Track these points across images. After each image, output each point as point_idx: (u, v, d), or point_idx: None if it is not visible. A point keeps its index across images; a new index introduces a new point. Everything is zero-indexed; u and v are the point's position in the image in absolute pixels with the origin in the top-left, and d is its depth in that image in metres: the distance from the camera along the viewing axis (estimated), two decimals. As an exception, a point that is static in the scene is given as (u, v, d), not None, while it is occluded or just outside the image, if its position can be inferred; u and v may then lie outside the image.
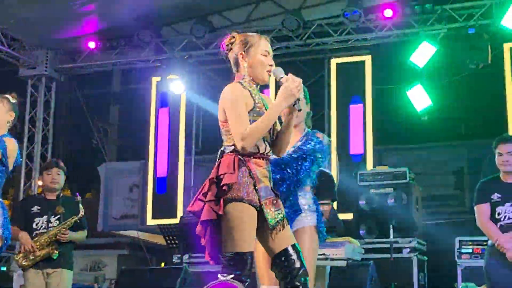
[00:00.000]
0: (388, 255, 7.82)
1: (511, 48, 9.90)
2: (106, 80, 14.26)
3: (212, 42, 10.89)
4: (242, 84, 3.97)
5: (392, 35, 10.22)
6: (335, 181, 5.30)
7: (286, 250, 3.86)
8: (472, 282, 7.17)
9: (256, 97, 3.96)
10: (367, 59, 10.62)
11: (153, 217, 11.45)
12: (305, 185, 4.62)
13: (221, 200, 3.80)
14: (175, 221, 9.57)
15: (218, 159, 3.93)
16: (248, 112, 3.88)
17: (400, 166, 9.06)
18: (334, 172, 6.01)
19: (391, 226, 7.93)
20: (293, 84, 3.83)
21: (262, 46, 4.02)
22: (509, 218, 5.75)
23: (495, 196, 5.79)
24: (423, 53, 9.75)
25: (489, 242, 5.88)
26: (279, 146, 4.02)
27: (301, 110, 3.94)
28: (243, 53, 4.01)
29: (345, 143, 10.59)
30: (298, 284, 3.81)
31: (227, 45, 4.09)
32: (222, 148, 3.97)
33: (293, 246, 3.89)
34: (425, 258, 8.50)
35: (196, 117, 11.97)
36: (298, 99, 3.84)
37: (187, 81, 10.97)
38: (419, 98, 9.86)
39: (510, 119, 9.64)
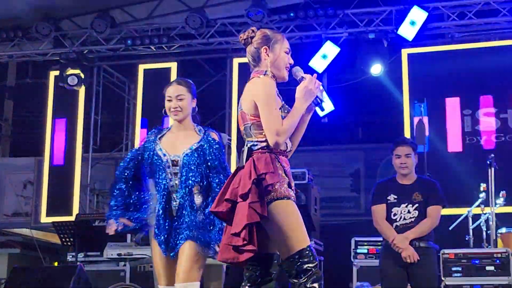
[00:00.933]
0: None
1: (409, 54, 10.15)
2: (1, 73, 13.78)
3: (113, 38, 10.70)
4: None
5: (295, 36, 10.31)
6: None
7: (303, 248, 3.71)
8: (367, 282, 7.29)
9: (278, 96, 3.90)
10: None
11: (48, 214, 11.12)
12: None
13: (265, 201, 3.66)
14: (71, 218, 9.31)
15: (248, 156, 3.80)
16: (279, 108, 3.82)
17: (299, 167, 9.12)
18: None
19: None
20: (312, 84, 3.86)
21: (285, 44, 3.99)
22: (404, 219, 5.90)
23: (391, 197, 5.93)
24: (324, 56, 9.88)
25: (384, 242, 6.00)
26: (294, 143, 3.95)
27: (324, 110, 4.02)
28: (268, 48, 3.93)
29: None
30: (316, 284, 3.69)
31: (246, 39, 3.99)
32: (249, 145, 3.84)
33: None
34: (322, 258, 8.59)
35: (95, 114, 11.70)
36: (322, 100, 3.88)
37: (86, 76, 10.73)
38: (321, 102, 9.94)
39: (406, 124, 9.89)
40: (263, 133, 3.80)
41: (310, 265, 3.66)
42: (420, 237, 5.86)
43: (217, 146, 4.56)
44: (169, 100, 4.60)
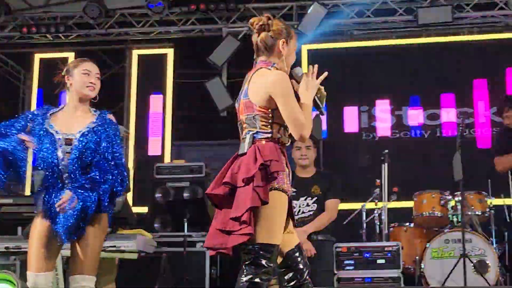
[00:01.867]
0: (182, 249, 7.78)
1: (308, 50, 10.24)
2: None
3: (7, 25, 10.37)
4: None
5: (195, 29, 10.24)
6: (128, 172, 5.17)
7: (298, 246, 3.83)
8: (262, 275, 7.29)
9: None
10: (170, 52, 10.56)
11: None
12: None
13: (268, 187, 3.65)
14: None
15: (250, 144, 3.78)
16: None
17: (199, 161, 9.06)
18: (130, 164, 5.90)
19: (185, 220, 7.89)
20: (314, 80, 3.92)
21: (296, 42, 4.02)
22: (303, 212, 5.94)
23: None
24: (224, 50, 9.86)
25: None
26: None
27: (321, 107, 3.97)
28: (286, 42, 3.92)
29: (143, 136, 10.49)
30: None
31: (262, 25, 3.92)
32: (251, 132, 3.81)
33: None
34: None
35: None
36: (323, 95, 3.94)
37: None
38: (219, 94, 9.96)
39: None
40: (269, 125, 3.79)
41: (264, 261, 3.66)
42: (318, 230, 5.92)
43: (114, 126, 4.43)
44: (87, 74, 4.43)
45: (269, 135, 3.79)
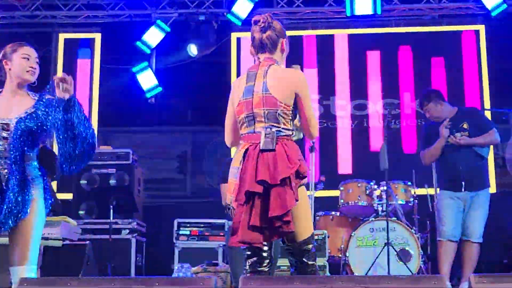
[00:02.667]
0: (107, 236, 7.69)
1: (238, 38, 10.22)
2: None
3: None
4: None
5: (124, 14, 10.10)
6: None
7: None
8: (188, 263, 7.28)
9: None
10: (97, 36, 10.37)
11: None
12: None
13: (297, 186, 3.88)
14: None
15: (275, 140, 3.91)
16: None
17: (125, 148, 8.96)
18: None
19: (111, 207, 7.80)
20: None
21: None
22: None
23: None
24: (153, 36, 9.75)
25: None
26: None
27: None
28: (285, 41, 4.18)
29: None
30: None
31: (265, 23, 4.12)
32: (274, 128, 3.95)
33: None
34: (144, 239, 8.52)
35: None
36: None
37: None
38: (147, 81, 9.86)
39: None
40: (290, 123, 3.99)
41: (311, 247, 4.02)
42: None
43: (54, 104, 4.30)
44: (26, 59, 4.30)
45: (290, 132, 4.00)
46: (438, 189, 7.29)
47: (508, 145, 7.84)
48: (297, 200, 3.85)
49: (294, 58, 10.09)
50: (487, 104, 9.64)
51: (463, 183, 6.78)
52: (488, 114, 9.05)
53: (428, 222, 7.96)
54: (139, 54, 9.86)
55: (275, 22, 4.19)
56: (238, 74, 10.04)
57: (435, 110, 7.08)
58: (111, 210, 7.75)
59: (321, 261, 7.16)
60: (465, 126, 6.92)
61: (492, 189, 9.18)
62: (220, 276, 6.83)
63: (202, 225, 8.12)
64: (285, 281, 3.48)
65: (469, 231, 6.85)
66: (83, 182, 8.51)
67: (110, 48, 10.43)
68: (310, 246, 4.01)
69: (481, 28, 10.02)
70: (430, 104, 7.09)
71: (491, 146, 7.44)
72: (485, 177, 7.03)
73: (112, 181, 8.44)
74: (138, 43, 9.72)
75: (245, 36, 10.23)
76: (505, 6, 9.28)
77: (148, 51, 9.79)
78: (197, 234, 8.03)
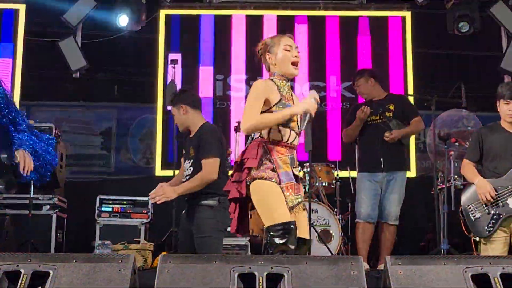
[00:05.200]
0: (27, 212, 7.55)
1: (166, 15, 10.13)
2: None
3: None
4: (272, 80, 4.44)
5: (51, -12, 9.87)
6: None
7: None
8: (109, 240, 7.22)
9: (284, 91, 4.42)
10: (22, 8, 10.09)
11: None
12: None
13: (244, 181, 4.31)
14: None
15: (247, 144, 4.46)
16: (275, 104, 4.34)
17: (47, 122, 8.78)
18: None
19: (32, 182, 7.65)
20: (312, 100, 4.32)
21: (283, 41, 4.48)
22: (186, 176, 5.70)
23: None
24: (79, 10, 9.57)
25: None
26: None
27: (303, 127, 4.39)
28: (268, 53, 4.49)
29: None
30: None
31: (258, 52, 4.60)
32: (253, 135, 4.47)
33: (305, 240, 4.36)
34: (65, 215, 8.40)
35: None
36: (311, 115, 4.29)
37: None
38: (73, 56, 9.68)
39: (160, 84, 9.88)
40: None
41: (278, 240, 4.19)
42: (193, 193, 5.65)
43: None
44: None
45: (258, 135, 4.41)
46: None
47: (429, 131, 8.04)
48: (242, 194, 4.35)
49: (223, 36, 10.13)
50: (410, 90, 9.83)
51: (382, 160, 6.95)
52: (411, 100, 9.25)
53: (349, 204, 8.09)
54: (65, 27, 9.66)
55: (261, 42, 4.63)
56: (166, 51, 9.97)
57: (364, 87, 7.29)
58: (32, 186, 7.60)
59: (242, 241, 7.22)
60: (391, 107, 7.11)
61: (412, 173, 9.43)
62: (142, 254, 6.80)
63: (125, 202, 8.05)
64: (204, 260, 3.49)
65: (386, 213, 7.03)
66: (2, 155, 8.30)
67: (35, 20, 10.18)
68: (273, 239, 4.21)
69: (408, 14, 10.19)
70: (361, 80, 7.31)
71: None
72: (402, 160, 7.22)
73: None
74: (64, 16, 9.51)
75: (174, 13, 10.16)
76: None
77: (74, 25, 9.60)
78: (120, 211, 7.97)
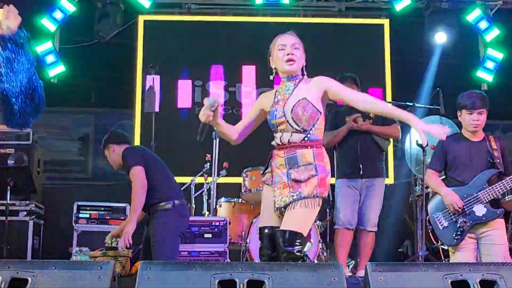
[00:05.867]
0: (3, 218, 7.48)
1: (145, 21, 10.10)
2: None
3: None
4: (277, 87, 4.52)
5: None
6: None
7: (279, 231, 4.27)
8: (87, 247, 7.16)
9: (280, 93, 4.46)
10: (-1, 12, 10.00)
11: None
12: None
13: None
14: None
15: None
16: (268, 112, 4.50)
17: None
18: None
19: (9, 188, 7.59)
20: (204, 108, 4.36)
21: (277, 42, 4.52)
22: None
23: None
24: (57, 15, 9.53)
25: None
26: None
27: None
28: (270, 57, 4.57)
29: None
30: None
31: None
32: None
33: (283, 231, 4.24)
34: (42, 221, 8.33)
35: None
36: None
37: None
38: (50, 60, 9.64)
39: (138, 90, 9.85)
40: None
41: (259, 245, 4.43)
42: (150, 204, 5.90)
43: None
44: None
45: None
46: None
47: (407, 138, 8.06)
48: None
49: (202, 42, 10.11)
50: (389, 97, 9.87)
51: (361, 167, 6.97)
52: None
53: (328, 210, 8.09)
54: (43, 32, 9.61)
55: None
56: (145, 57, 9.94)
57: None
58: (8, 191, 7.53)
59: (221, 247, 7.21)
60: (371, 115, 7.12)
61: (390, 180, 9.46)
62: (120, 261, 6.74)
63: (102, 209, 8.00)
64: (185, 267, 3.47)
65: (365, 220, 7.04)
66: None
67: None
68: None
69: (386, 22, 10.24)
70: (345, 84, 7.28)
71: (391, 140, 7.67)
72: (381, 167, 7.25)
73: (10, 161, 8.20)
74: (42, 21, 9.46)
75: (153, 19, 10.13)
76: (409, 2, 9.52)
77: (52, 30, 9.54)
78: (97, 217, 7.91)
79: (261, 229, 4.41)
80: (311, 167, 4.28)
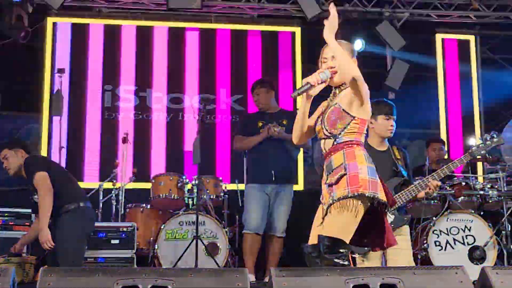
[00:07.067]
0: None
1: (54, 23, 9.90)
2: None
3: None
4: None
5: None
6: None
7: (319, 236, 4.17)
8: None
9: (327, 102, 4.44)
10: None
11: None
12: None
13: None
14: None
15: None
16: None
17: None
18: None
19: None
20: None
21: (322, 55, 4.47)
22: None
23: None
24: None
25: None
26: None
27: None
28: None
29: None
30: None
31: None
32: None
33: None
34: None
35: None
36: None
37: None
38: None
39: (46, 94, 9.63)
40: None
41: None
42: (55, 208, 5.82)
43: None
44: None
45: None
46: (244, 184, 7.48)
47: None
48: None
49: (113, 46, 9.97)
50: (299, 104, 9.94)
51: (273, 172, 7.03)
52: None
53: (237, 216, 8.11)
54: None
55: None
56: (53, 60, 9.75)
57: (264, 97, 7.38)
58: None
59: (128, 253, 7.14)
60: (284, 122, 7.20)
61: (300, 186, 9.56)
62: (23, 267, 6.60)
63: (7, 214, 7.78)
64: (87, 273, 3.42)
65: (274, 226, 7.09)
66: None
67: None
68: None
69: (297, 30, 10.35)
70: (263, 89, 7.40)
71: (301, 149, 7.78)
72: (291, 173, 7.33)
73: None
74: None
75: (62, 21, 9.94)
76: (320, 10, 9.63)
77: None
78: (1, 223, 7.70)
79: (313, 248, 4.17)
80: (341, 167, 4.16)
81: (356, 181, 4.07)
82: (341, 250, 4.03)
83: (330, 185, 4.16)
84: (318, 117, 4.42)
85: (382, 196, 4.11)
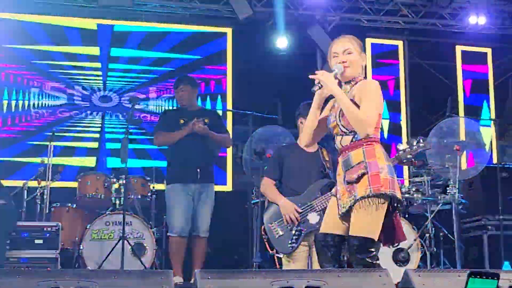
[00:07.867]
0: None
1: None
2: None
3: None
4: None
5: None
6: None
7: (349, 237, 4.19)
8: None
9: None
10: None
11: None
12: None
13: None
14: None
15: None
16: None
17: None
18: None
19: None
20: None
21: (331, 50, 4.40)
22: None
23: None
24: None
25: None
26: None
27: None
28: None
29: None
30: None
31: None
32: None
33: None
34: None
35: None
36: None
37: None
38: None
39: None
40: None
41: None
42: None
43: None
44: None
45: None
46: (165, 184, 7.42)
47: (246, 146, 8.17)
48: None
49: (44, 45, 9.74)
50: (229, 105, 9.95)
51: (199, 171, 6.99)
52: (230, 115, 9.44)
53: (164, 217, 8.04)
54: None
55: None
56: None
57: (187, 94, 7.32)
58: None
59: (52, 253, 7.01)
60: (206, 120, 7.16)
61: (228, 187, 9.57)
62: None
63: None
64: (5, 275, 3.35)
65: (198, 226, 7.06)
66: None
67: None
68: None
69: (229, 31, 10.33)
70: (187, 87, 7.34)
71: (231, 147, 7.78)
72: (212, 173, 7.32)
73: None
74: None
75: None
76: (251, 12, 9.65)
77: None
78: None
79: (324, 237, 4.26)
80: (361, 165, 4.18)
81: (377, 180, 4.13)
82: (371, 249, 4.12)
83: (349, 183, 4.21)
84: (331, 113, 4.41)
85: (399, 194, 4.21)
